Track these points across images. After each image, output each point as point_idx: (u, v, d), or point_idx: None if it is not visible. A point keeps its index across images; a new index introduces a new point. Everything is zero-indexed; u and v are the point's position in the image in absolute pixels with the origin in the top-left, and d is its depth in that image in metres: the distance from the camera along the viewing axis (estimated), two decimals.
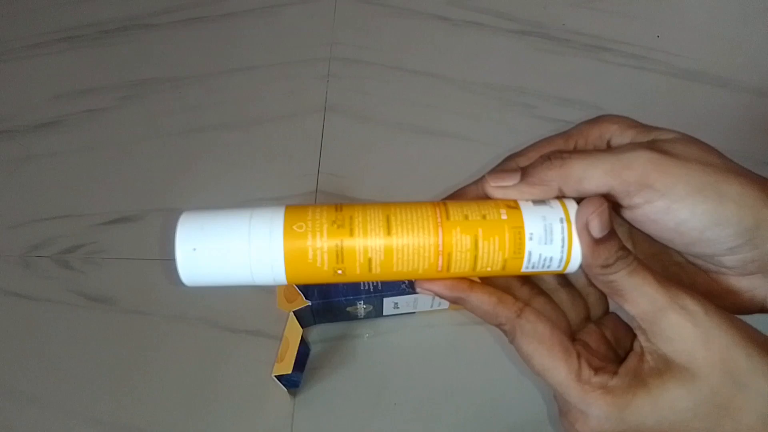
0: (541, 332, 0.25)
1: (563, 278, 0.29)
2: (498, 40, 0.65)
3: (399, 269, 0.25)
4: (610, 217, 0.25)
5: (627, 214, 0.26)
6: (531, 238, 0.25)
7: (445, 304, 0.48)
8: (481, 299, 0.26)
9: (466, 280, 0.27)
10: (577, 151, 0.27)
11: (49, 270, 0.52)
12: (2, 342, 0.49)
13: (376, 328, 0.49)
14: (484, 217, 0.25)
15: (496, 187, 0.26)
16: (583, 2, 0.68)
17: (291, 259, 0.25)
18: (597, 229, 0.24)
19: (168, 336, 0.49)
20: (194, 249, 0.26)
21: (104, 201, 0.56)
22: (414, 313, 0.49)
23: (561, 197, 0.26)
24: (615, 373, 0.25)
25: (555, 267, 0.26)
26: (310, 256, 0.25)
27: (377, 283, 0.46)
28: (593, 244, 0.25)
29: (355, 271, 0.25)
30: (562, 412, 0.27)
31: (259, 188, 0.56)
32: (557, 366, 0.25)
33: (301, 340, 0.43)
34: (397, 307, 0.48)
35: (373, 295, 0.46)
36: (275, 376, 0.42)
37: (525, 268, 0.26)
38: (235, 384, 0.47)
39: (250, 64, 0.64)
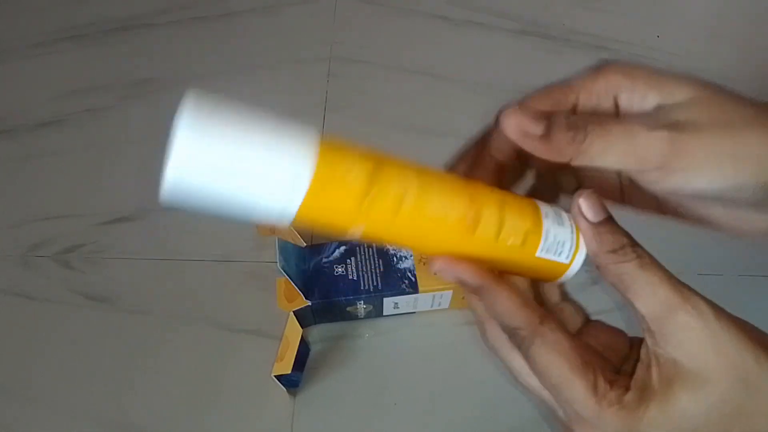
0: (563, 343, 0.24)
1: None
2: (498, 40, 0.65)
3: (428, 214, 0.23)
4: (601, 202, 0.25)
5: (641, 184, 0.25)
6: (547, 216, 0.25)
7: (446, 304, 0.48)
8: (508, 296, 0.25)
9: (493, 272, 0.26)
10: (596, 121, 0.24)
11: (49, 270, 0.52)
12: (2, 342, 0.49)
13: (376, 327, 0.49)
14: (505, 193, 0.26)
15: (516, 125, 0.25)
16: (583, 2, 0.68)
17: (319, 176, 0.21)
18: (591, 213, 0.24)
19: (168, 336, 0.49)
20: (196, 152, 0.20)
21: (105, 200, 0.56)
22: (414, 313, 0.49)
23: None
24: (627, 388, 0.24)
25: (565, 255, 0.26)
26: (340, 174, 0.21)
27: (377, 282, 0.46)
28: (593, 228, 0.24)
29: (382, 209, 0.22)
30: (571, 421, 0.25)
31: None
32: (575, 379, 0.24)
33: (300, 340, 0.43)
34: (397, 307, 0.48)
35: (373, 294, 0.46)
36: (275, 376, 0.42)
37: (541, 250, 0.25)
38: (235, 384, 0.47)
39: (250, 64, 0.64)
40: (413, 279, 0.46)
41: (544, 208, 0.26)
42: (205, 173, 0.20)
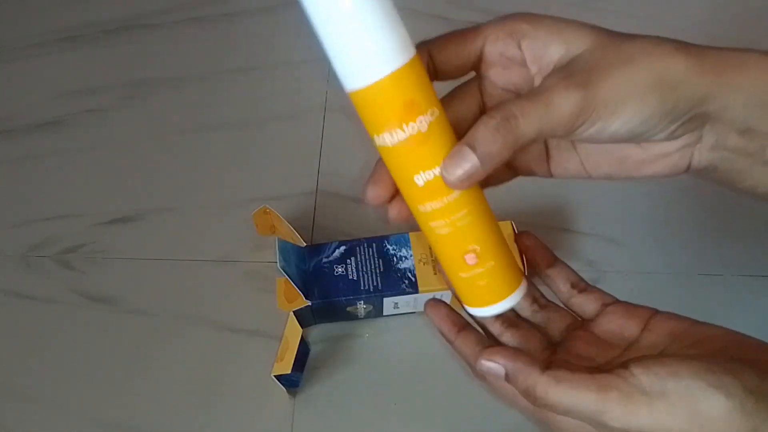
0: (572, 374, 0.25)
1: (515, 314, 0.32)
2: None
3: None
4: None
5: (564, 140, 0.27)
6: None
7: None
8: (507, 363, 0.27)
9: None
10: (515, 105, 0.25)
11: (49, 270, 0.52)
12: (2, 342, 0.49)
13: (376, 328, 0.49)
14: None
15: (454, 178, 0.25)
16: (583, 2, 0.68)
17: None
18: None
19: (168, 336, 0.49)
20: None
21: (105, 201, 0.56)
22: (414, 313, 0.49)
23: None
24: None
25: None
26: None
27: (377, 282, 0.46)
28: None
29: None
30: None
31: (259, 188, 0.56)
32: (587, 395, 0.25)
33: (300, 340, 0.43)
34: (397, 307, 0.48)
35: (373, 295, 0.46)
36: (274, 376, 0.42)
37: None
38: (235, 384, 0.47)
39: (250, 64, 0.64)
40: (413, 279, 0.46)
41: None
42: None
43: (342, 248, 0.48)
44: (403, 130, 0.25)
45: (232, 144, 0.59)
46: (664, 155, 0.28)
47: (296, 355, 0.42)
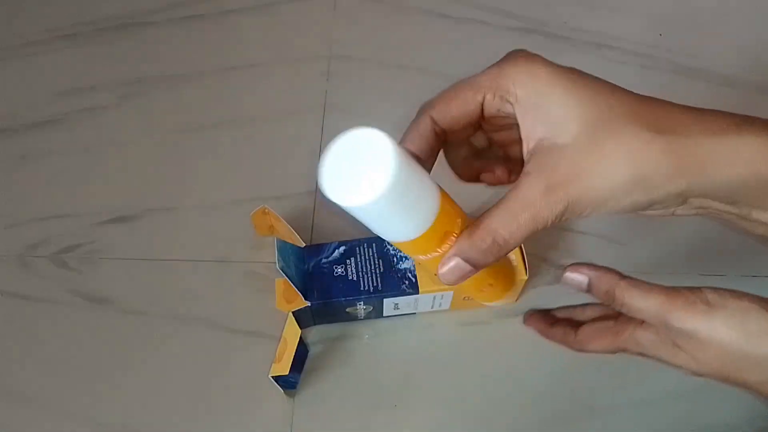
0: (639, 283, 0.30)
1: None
2: (499, 38, 0.64)
3: None
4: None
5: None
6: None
7: (446, 305, 0.48)
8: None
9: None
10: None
11: (46, 270, 0.52)
12: None
13: (376, 328, 0.49)
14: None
15: (451, 282, 0.30)
16: (585, 0, 0.67)
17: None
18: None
19: (166, 336, 0.49)
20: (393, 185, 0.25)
21: (102, 200, 0.56)
22: (414, 314, 0.49)
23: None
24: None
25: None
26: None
27: (377, 283, 0.46)
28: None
29: None
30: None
31: (259, 187, 0.55)
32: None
33: (299, 341, 0.43)
34: (398, 308, 0.47)
35: (373, 295, 0.45)
36: (272, 377, 0.42)
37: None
38: (233, 385, 0.47)
39: (249, 62, 0.64)
40: (413, 280, 0.46)
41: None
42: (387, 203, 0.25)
43: (342, 248, 0.47)
44: (438, 252, 0.29)
45: (231, 143, 0.59)
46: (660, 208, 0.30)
47: (294, 356, 0.42)
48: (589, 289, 0.31)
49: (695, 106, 0.29)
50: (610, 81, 0.29)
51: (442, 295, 0.46)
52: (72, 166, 0.58)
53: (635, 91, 0.29)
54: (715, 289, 0.28)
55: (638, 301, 0.29)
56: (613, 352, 0.33)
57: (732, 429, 0.44)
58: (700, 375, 0.29)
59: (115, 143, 0.59)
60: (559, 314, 0.37)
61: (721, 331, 0.27)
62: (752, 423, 0.44)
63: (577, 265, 0.31)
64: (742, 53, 0.63)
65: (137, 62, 0.64)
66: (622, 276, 0.30)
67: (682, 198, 0.27)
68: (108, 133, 0.60)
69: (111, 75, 0.63)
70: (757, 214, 0.28)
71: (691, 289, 0.28)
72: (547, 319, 0.37)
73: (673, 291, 0.28)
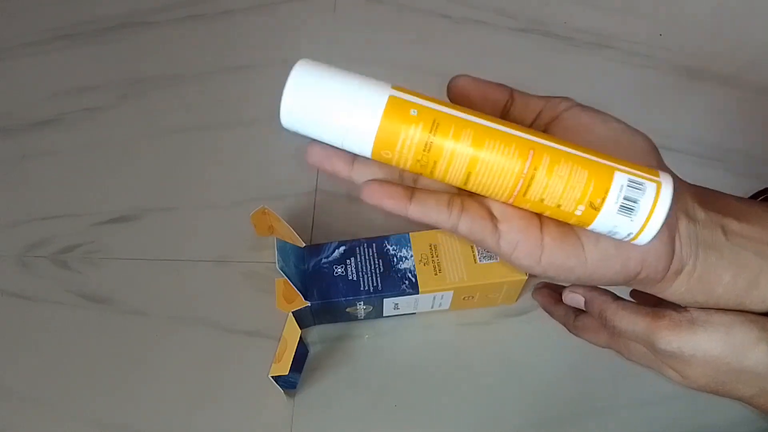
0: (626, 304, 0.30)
1: None
2: (499, 38, 0.64)
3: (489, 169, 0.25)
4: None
5: None
6: (615, 189, 0.24)
7: (446, 305, 0.48)
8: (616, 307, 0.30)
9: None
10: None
11: (46, 270, 0.52)
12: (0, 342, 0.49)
13: (376, 329, 0.49)
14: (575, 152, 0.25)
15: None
16: (585, 0, 0.67)
17: (386, 119, 0.26)
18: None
19: (166, 337, 0.49)
20: (300, 96, 0.26)
21: (102, 200, 0.55)
22: (414, 314, 0.49)
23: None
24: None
25: (623, 235, 0.25)
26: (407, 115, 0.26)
27: (377, 283, 0.45)
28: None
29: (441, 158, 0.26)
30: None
31: (259, 187, 0.55)
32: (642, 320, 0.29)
33: (299, 341, 0.43)
34: (398, 308, 0.47)
35: (373, 295, 0.45)
36: (272, 377, 0.42)
37: (594, 226, 0.25)
38: (233, 385, 0.46)
39: (249, 62, 0.64)
40: (414, 280, 0.46)
41: (619, 179, 0.24)
42: (301, 118, 0.27)
43: (341, 248, 0.47)
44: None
45: (231, 143, 0.59)
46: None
47: (294, 356, 0.42)
48: (585, 306, 0.32)
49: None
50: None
51: (442, 295, 0.46)
52: (72, 166, 0.58)
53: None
54: (702, 309, 0.28)
55: (626, 324, 0.29)
56: (608, 348, 0.33)
57: (732, 429, 0.44)
58: (693, 389, 0.29)
59: (115, 143, 0.59)
60: None
61: (705, 347, 0.27)
62: (752, 423, 0.44)
63: (575, 286, 0.33)
64: (742, 53, 0.63)
65: (137, 62, 0.64)
66: (615, 298, 0.31)
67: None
68: (107, 132, 0.60)
69: (111, 75, 0.63)
70: None
71: (677, 308, 0.28)
72: (554, 296, 0.37)
73: (658, 312, 0.28)
